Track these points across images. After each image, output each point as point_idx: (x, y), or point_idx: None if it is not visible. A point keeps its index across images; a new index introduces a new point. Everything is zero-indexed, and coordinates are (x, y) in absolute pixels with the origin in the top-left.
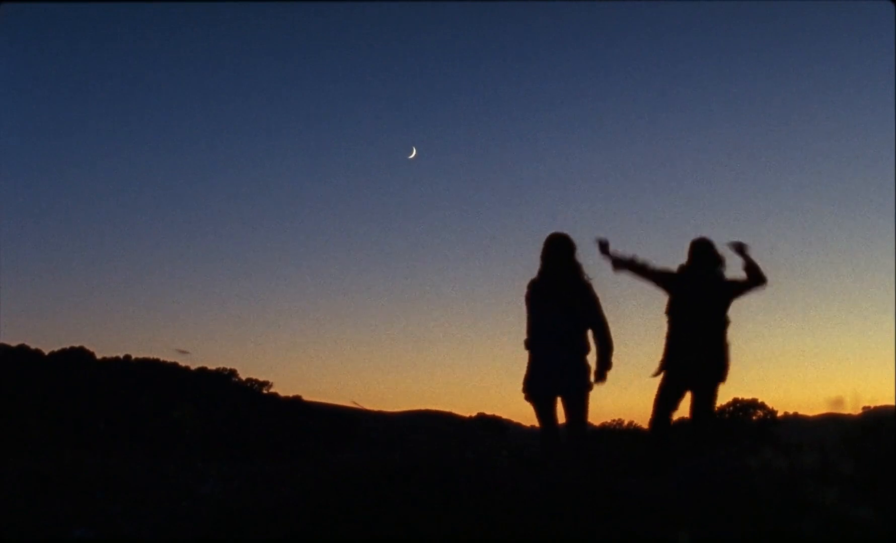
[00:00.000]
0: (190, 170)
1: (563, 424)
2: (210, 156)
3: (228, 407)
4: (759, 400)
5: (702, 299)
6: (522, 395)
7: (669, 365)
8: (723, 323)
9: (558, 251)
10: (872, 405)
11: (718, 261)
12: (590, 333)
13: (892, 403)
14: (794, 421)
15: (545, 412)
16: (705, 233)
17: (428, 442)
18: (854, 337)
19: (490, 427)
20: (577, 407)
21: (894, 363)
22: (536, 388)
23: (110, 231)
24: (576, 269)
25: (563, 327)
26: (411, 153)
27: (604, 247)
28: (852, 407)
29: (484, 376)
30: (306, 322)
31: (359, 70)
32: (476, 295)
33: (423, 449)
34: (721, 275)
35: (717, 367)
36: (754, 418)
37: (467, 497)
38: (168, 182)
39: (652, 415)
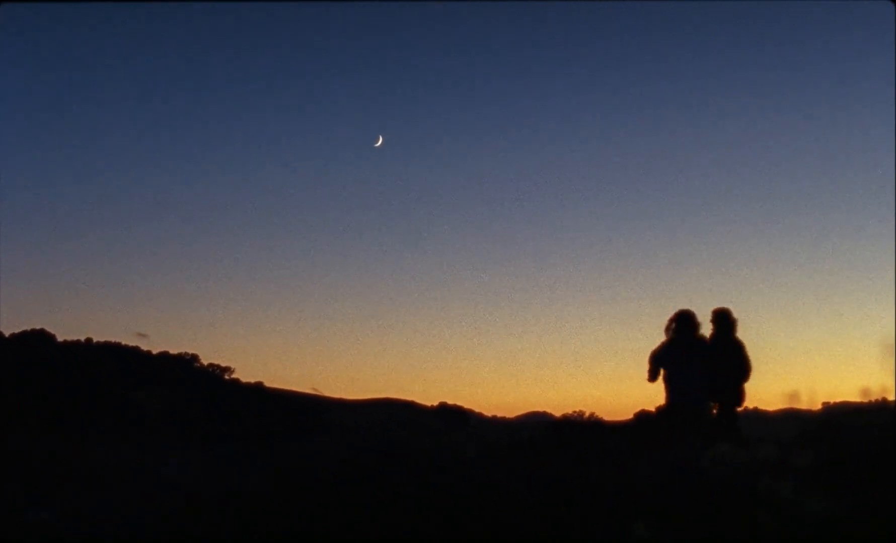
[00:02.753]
0: (149, 154)
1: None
2: (169, 140)
3: (193, 393)
4: None
5: None
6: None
7: None
8: None
9: (686, 322)
10: (832, 401)
11: None
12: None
13: (851, 399)
14: (754, 415)
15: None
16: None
17: (393, 432)
18: (813, 332)
19: (453, 417)
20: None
21: (855, 359)
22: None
23: (70, 213)
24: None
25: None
26: (377, 141)
27: None
28: (811, 403)
29: (445, 366)
30: (266, 308)
31: (324, 57)
32: (438, 284)
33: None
34: None
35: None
36: (713, 412)
37: (435, 490)
38: (127, 165)
39: None
